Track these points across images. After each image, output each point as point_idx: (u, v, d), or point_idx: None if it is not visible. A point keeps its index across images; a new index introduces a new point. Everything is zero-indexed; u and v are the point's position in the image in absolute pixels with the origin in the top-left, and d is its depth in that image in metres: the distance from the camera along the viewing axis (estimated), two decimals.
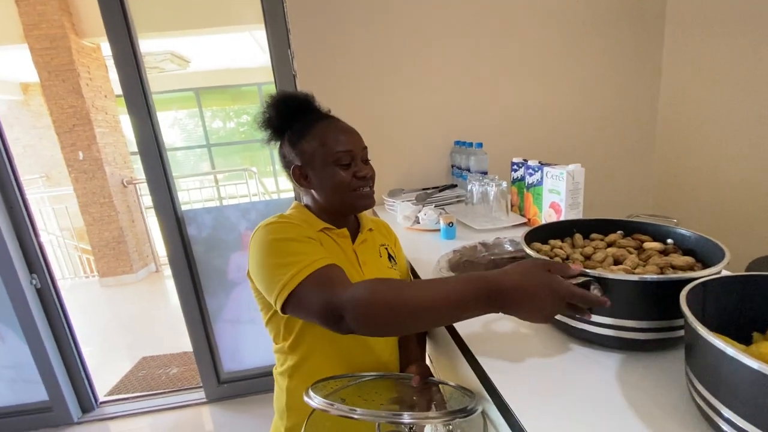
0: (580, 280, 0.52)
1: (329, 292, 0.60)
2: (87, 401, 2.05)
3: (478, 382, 0.58)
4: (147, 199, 4.40)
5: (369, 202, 0.80)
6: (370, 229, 0.89)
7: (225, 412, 2.01)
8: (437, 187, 1.58)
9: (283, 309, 0.65)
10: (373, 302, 0.57)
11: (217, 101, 7.13)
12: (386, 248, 0.90)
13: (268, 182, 6.22)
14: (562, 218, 1.04)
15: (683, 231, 0.67)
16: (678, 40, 1.63)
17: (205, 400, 2.08)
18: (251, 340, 2.07)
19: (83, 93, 3.66)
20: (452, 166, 1.69)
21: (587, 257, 0.69)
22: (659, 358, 0.56)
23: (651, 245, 0.68)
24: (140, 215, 4.31)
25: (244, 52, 5.04)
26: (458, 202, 1.50)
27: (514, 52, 1.65)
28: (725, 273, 0.49)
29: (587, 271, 0.54)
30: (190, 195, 4.94)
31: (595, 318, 0.56)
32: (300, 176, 0.79)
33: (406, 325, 0.61)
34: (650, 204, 1.85)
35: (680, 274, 0.51)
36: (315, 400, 0.56)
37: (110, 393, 2.26)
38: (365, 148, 0.81)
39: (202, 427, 1.94)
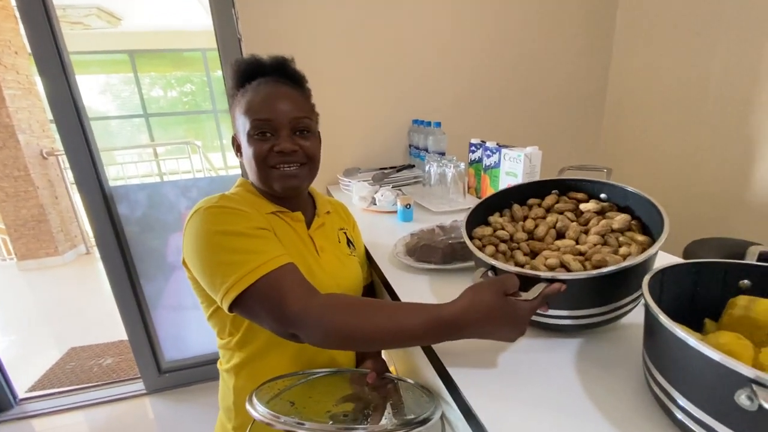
0: (536, 293, 0.49)
1: (281, 305, 0.54)
2: (4, 399, 1.83)
3: (437, 377, 0.55)
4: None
5: (290, 183, 0.68)
6: (328, 212, 0.82)
7: (167, 403, 1.88)
8: (395, 167, 1.53)
9: (230, 310, 0.58)
10: (335, 327, 0.53)
11: (155, 66, 6.48)
12: (345, 232, 0.83)
13: (214, 157, 5.82)
14: None
15: (616, 185, 0.65)
16: (628, 27, 1.67)
17: (144, 391, 1.94)
18: (195, 326, 1.94)
19: None
20: (410, 146, 1.64)
21: (530, 234, 0.67)
22: (614, 337, 0.57)
23: (587, 207, 0.66)
24: (65, 191, 3.85)
25: (184, 13, 4.57)
26: (416, 182, 1.46)
27: (473, 29, 1.61)
28: (678, 260, 0.49)
29: (541, 275, 0.51)
30: (125, 170, 4.50)
31: (552, 312, 0.55)
32: (236, 147, 0.71)
33: (365, 347, 0.61)
34: None
35: (629, 262, 0.49)
36: (258, 410, 0.50)
37: (32, 389, 2.03)
38: (298, 118, 0.68)
39: (143, 420, 1.81)
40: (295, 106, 0.68)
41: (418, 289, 0.75)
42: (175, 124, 6.82)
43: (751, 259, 0.48)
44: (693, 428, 0.37)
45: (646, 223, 0.61)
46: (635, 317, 0.57)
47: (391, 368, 0.88)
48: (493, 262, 0.55)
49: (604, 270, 0.49)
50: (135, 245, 1.74)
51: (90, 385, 2.03)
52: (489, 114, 1.72)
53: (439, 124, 1.42)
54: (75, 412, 1.87)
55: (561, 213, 0.68)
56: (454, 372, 0.52)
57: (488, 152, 1.14)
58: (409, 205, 1.10)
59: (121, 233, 1.70)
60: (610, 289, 0.52)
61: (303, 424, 0.46)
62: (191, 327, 1.94)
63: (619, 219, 0.61)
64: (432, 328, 0.50)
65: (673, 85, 1.51)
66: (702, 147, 1.45)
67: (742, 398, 0.31)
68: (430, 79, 1.62)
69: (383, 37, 1.53)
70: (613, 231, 0.61)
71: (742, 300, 0.44)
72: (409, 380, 0.66)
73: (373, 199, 1.19)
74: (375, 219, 1.17)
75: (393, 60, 1.56)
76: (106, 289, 3.35)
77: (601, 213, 0.65)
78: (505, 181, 1.07)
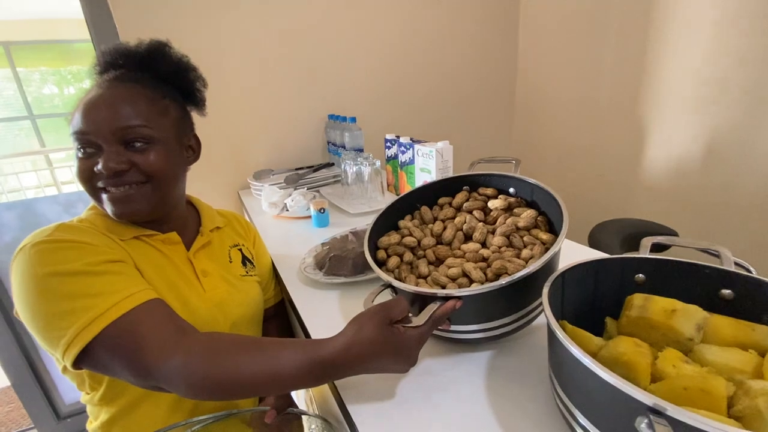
0: (426, 317, 0.44)
1: (137, 355, 0.45)
2: None
3: (340, 413, 0.49)
4: None
5: (126, 208, 0.55)
6: (217, 227, 0.71)
7: None
8: (312, 167, 1.43)
9: (77, 367, 0.47)
10: (193, 383, 0.44)
11: (40, 60, 5.60)
12: (239, 249, 0.73)
13: None
14: None
15: (524, 179, 0.64)
16: (531, 30, 1.73)
17: None
18: None
19: None
20: (328, 143, 1.55)
21: (438, 239, 0.64)
22: (526, 343, 0.55)
23: (494, 204, 0.65)
24: None
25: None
26: (335, 182, 1.38)
27: (387, 22, 1.55)
28: (581, 260, 0.47)
29: (436, 293, 0.46)
30: (10, 181, 3.85)
31: (457, 327, 0.51)
32: None
33: (236, 398, 0.49)
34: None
35: (527, 270, 0.46)
36: None
37: None
38: (125, 128, 0.53)
39: None
40: (125, 111, 0.54)
41: (325, 307, 0.68)
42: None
43: (644, 251, 0.47)
44: None
45: (551, 218, 0.60)
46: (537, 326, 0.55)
47: (308, 394, 0.80)
48: (389, 279, 0.49)
49: (504, 282, 0.46)
50: (6, 277, 1.46)
51: None
52: (405, 109, 1.67)
53: (354, 119, 1.35)
54: None
55: (470, 212, 0.66)
56: (351, 406, 0.46)
57: (402, 148, 1.09)
58: (324, 209, 1.01)
59: None
60: (513, 298, 0.49)
61: None
62: None
63: (525, 216, 0.59)
64: (310, 371, 0.44)
65: (572, 81, 1.59)
66: (600, 137, 1.54)
67: (642, 426, 0.28)
68: (344, 72, 1.53)
69: (294, 27, 1.40)
70: (518, 229, 0.59)
71: (638, 299, 0.43)
72: (313, 413, 0.59)
73: (285, 204, 1.08)
74: (288, 226, 1.07)
75: (305, 53, 1.45)
76: None
77: (508, 209, 0.64)
78: (420, 178, 1.03)
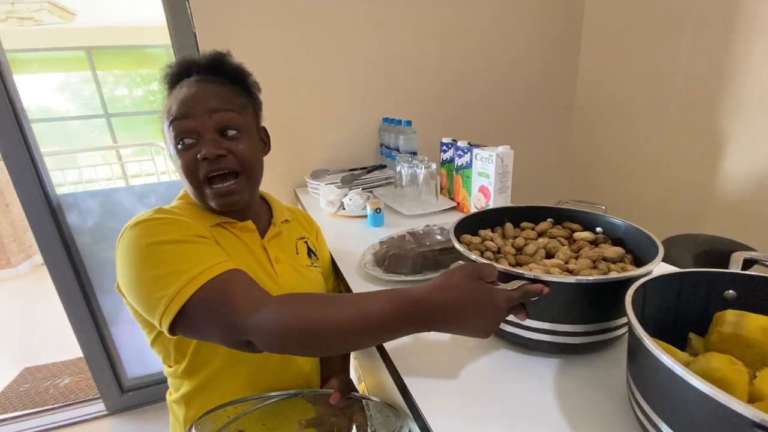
0: (516, 286, 0.45)
1: (229, 314, 0.48)
2: None
3: (400, 396, 0.50)
4: None
5: (227, 200, 0.61)
6: (286, 221, 0.76)
7: (131, 423, 1.77)
8: (365, 168, 1.46)
9: (172, 331, 0.51)
10: (284, 329, 0.47)
11: (117, 64, 6.14)
12: (305, 242, 0.77)
13: None
14: (490, 202, 1.00)
15: (613, 219, 0.65)
16: (596, 16, 1.67)
17: (105, 412, 1.81)
18: None
19: None
20: (381, 145, 1.58)
21: (519, 249, 0.64)
22: (595, 360, 0.52)
23: (581, 235, 0.65)
24: (17, 198, 3.59)
25: (145, 8, 4.34)
26: (387, 184, 1.40)
27: (445, 28, 1.56)
28: (663, 271, 0.45)
29: (524, 273, 0.47)
30: (84, 173, 4.25)
31: (530, 323, 0.50)
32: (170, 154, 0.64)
33: (323, 350, 0.53)
34: (568, 179, 1.93)
35: (619, 274, 0.46)
36: None
37: None
38: (224, 110, 0.59)
39: None
40: (219, 101, 0.60)
41: None
42: (141, 124, 6.50)
43: (735, 267, 0.45)
44: None
45: (639, 256, 0.58)
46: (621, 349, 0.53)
47: (361, 386, 0.82)
48: (474, 256, 0.50)
49: (590, 278, 0.45)
50: (88, 257, 1.61)
51: (46, 408, 1.88)
52: (459, 114, 1.67)
53: (409, 123, 1.36)
54: None
55: (553, 237, 0.66)
56: (412, 386, 0.47)
57: (459, 152, 1.09)
58: (380, 209, 1.04)
59: (72, 245, 1.57)
60: (596, 303, 0.48)
61: None
62: None
63: (613, 249, 0.58)
64: (397, 311, 0.44)
65: (640, 85, 1.51)
66: (670, 145, 1.45)
67: None
68: (400, 76, 1.56)
69: (352, 33, 1.46)
70: (605, 259, 0.58)
71: (730, 315, 0.40)
72: (375, 399, 0.60)
73: (342, 203, 1.12)
74: (344, 224, 1.10)
75: (362, 57, 1.50)
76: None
77: (594, 243, 0.63)
78: (477, 183, 1.03)
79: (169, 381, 0.67)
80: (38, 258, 3.75)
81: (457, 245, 0.57)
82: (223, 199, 0.61)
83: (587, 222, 0.68)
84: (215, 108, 0.59)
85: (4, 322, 2.85)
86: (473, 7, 1.57)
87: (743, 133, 1.23)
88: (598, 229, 0.66)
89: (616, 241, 0.63)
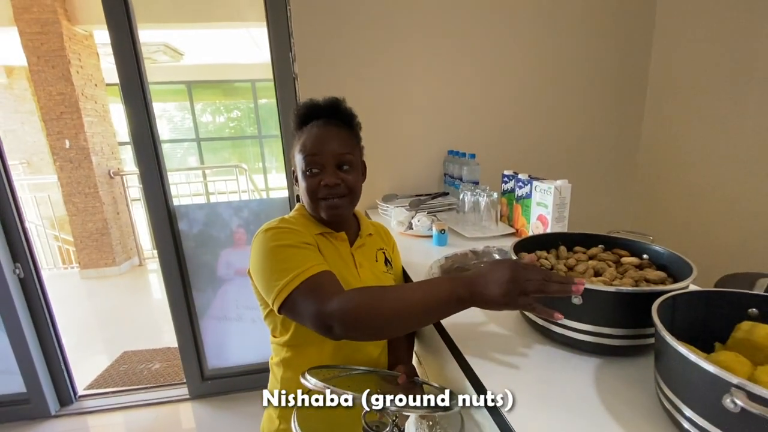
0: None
1: (319, 302, 0.64)
2: (65, 395, 2.02)
3: (466, 380, 0.63)
4: (133, 191, 4.34)
5: (334, 212, 0.80)
6: (370, 234, 0.92)
7: (207, 408, 2.01)
8: (429, 194, 1.62)
9: (279, 311, 0.70)
10: (358, 312, 0.62)
11: (208, 95, 7.05)
12: (383, 252, 0.93)
13: (257, 179, 6.18)
14: (548, 230, 1.10)
15: (657, 248, 0.73)
16: (663, 63, 1.72)
17: (187, 396, 2.07)
18: (237, 337, 2.07)
19: (73, 80, 3.60)
20: (445, 175, 1.74)
21: (570, 268, 0.75)
22: (632, 363, 0.61)
23: (628, 260, 0.74)
24: (126, 207, 4.24)
25: (239, 48, 5.02)
26: (449, 209, 1.54)
27: (509, 69, 1.72)
28: (693, 288, 0.54)
29: (573, 279, 0.58)
30: (178, 189, 4.88)
31: (574, 324, 0.61)
32: (294, 179, 0.84)
33: (390, 329, 0.67)
34: (630, 218, 1.93)
35: (651, 287, 0.56)
36: (311, 382, 0.61)
37: (90, 387, 2.23)
38: (341, 154, 0.79)
39: (184, 424, 1.94)
40: (339, 144, 0.79)
41: None
42: (222, 148, 7.32)
43: (760, 290, 0.53)
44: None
45: (680, 280, 0.65)
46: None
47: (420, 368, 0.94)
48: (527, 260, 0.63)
49: (627, 289, 0.56)
50: (190, 259, 1.92)
51: (140, 387, 2.20)
52: (519, 149, 1.79)
53: (473, 156, 1.51)
54: (125, 411, 2.03)
55: (602, 260, 0.75)
56: (477, 367, 0.60)
57: (520, 183, 1.21)
58: (444, 231, 1.18)
59: (180, 248, 1.89)
60: (633, 311, 0.58)
61: (345, 393, 0.56)
62: (234, 337, 2.08)
63: (655, 273, 0.67)
64: (446, 288, 0.59)
65: (706, 137, 1.53)
66: (738, 180, 1.45)
67: (726, 402, 0.37)
68: (465, 113, 1.73)
69: (425, 74, 1.67)
70: (647, 280, 0.67)
71: (745, 325, 0.49)
72: (434, 384, 0.74)
73: (410, 223, 1.28)
74: (411, 242, 1.26)
75: (431, 93, 1.69)
76: (155, 298, 3.62)
77: (639, 267, 0.72)
78: (536, 212, 1.14)
79: (273, 348, 0.85)
80: (135, 260, 4.34)
81: (514, 257, 0.69)
82: (332, 211, 0.80)
83: (635, 250, 0.76)
84: (338, 150, 0.79)
85: (109, 311, 3.35)
86: (539, 49, 1.71)
87: None
88: (645, 256, 0.74)
89: (660, 267, 0.71)
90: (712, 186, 1.55)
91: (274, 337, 0.83)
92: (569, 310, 0.61)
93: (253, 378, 2.07)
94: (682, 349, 0.42)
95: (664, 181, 1.76)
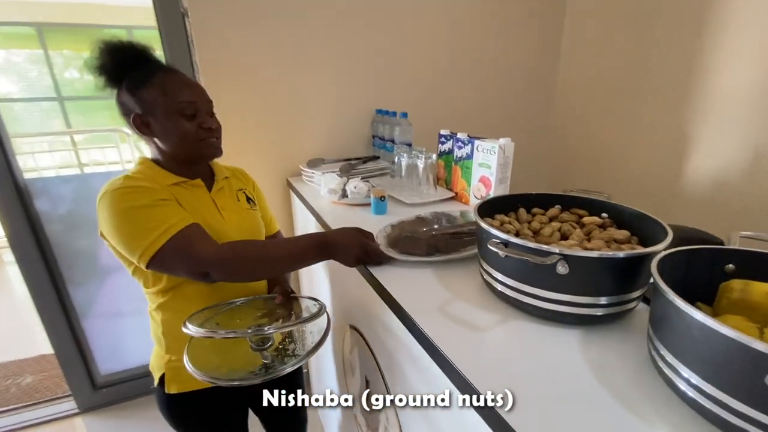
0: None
1: (192, 254, 0.70)
2: None
3: (449, 380, 0.53)
4: None
5: (215, 151, 0.84)
6: (226, 177, 0.93)
7: (104, 422, 1.69)
8: (360, 158, 1.47)
9: (147, 268, 0.71)
10: (236, 260, 0.73)
11: (70, 44, 5.69)
12: (244, 192, 0.96)
13: (144, 146, 5.30)
14: (491, 192, 1.04)
15: (617, 205, 0.70)
16: (575, 28, 1.77)
17: (77, 410, 1.72)
18: (136, 334, 1.75)
19: None
20: (374, 137, 1.59)
21: (535, 232, 0.69)
22: (612, 330, 0.57)
23: (590, 220, 0.70)
24: None
25: None
26: (382, 174, 1.42)
27: (436, 24, 1.60)
28: (678, 248, 0.51)
29: (564, 250, 0.51)
30: (36, 160, 3.94)
31: (550, 295, 0.55)
32: (141, 125, 0.78)
33: (263, 274, 0.84)
34: (549, 174, 2.03)
35: (642, 250, 0.51)
36: (193, 330, 0.67)
37: None
38: (210, 102, 0.83)
39: None
40: (205, 92, 0.83)
41: (400, 278, 0.72)
42: (97, 109, 6.06)
43: (734, 244, 0.51)
44: (700, 401, 0.39)
45: (643, 237, 0.64)
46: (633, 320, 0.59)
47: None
48: (504, 236, 0.55)
49: (622, 253, 0.50)
50: (59, 246, 1.52)
51: (8, 408, 1.76)
52: (450, 106, 1.72)
53: (405, 115, 1.39)
54: None
55: (564, 222, 0.71)
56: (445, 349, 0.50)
57: (459, 143, 1.13)
58: (384, 198, 1.06)
59: (41, 233, 1.47)
60: (618, 277, 0.53)
61: (220, 331, 0.70)
62: (131, 335, 1.75)
63: (620, 232, 0.64)
64: (312, 245, 0.75)
65: (615, 79, 1.62)
66: (637, 139, 1.57)
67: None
68: (393, 69, 1.58)
69: (345, 24, 1.46)
70: (615, 241, 0.63)
71: (737, 284, 0.47)
72: (305, 296, 0.91)
73: (344, 191, 1.13)
74: (346, 212, 1.11)
75: (354, 48, 1.50)
76: (20, 297, 2.93)
77: (602, 227, 0.69)
78: (478, 173, 1.07)
79: (148, 297, 0.85)
80: None
81: (483, 224, 0.60)
82: (213, 150, 0.84)
83: (593, 208, 0.73)
84: (208, 99, 0.83)
85: None
86: (466, 6, 1.61)
87: (707, 135, 1.36)
88: (604, 215, 0.71)
89: (621, 225, 0.69)
90: (616, 139, 1.67)
91: (147, 288, 0.83)
92: (549, 281, 0.54)
93: None
94: (711, 321, 0.36)
95: (576, 135, 1.86)
